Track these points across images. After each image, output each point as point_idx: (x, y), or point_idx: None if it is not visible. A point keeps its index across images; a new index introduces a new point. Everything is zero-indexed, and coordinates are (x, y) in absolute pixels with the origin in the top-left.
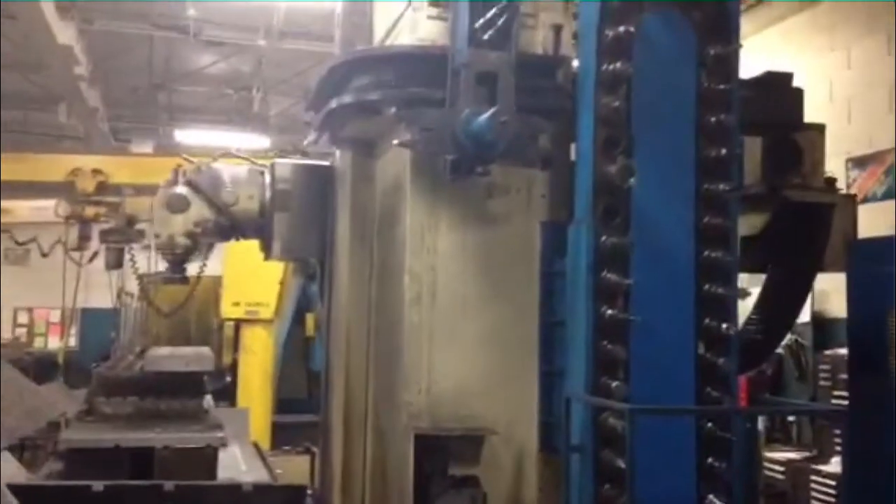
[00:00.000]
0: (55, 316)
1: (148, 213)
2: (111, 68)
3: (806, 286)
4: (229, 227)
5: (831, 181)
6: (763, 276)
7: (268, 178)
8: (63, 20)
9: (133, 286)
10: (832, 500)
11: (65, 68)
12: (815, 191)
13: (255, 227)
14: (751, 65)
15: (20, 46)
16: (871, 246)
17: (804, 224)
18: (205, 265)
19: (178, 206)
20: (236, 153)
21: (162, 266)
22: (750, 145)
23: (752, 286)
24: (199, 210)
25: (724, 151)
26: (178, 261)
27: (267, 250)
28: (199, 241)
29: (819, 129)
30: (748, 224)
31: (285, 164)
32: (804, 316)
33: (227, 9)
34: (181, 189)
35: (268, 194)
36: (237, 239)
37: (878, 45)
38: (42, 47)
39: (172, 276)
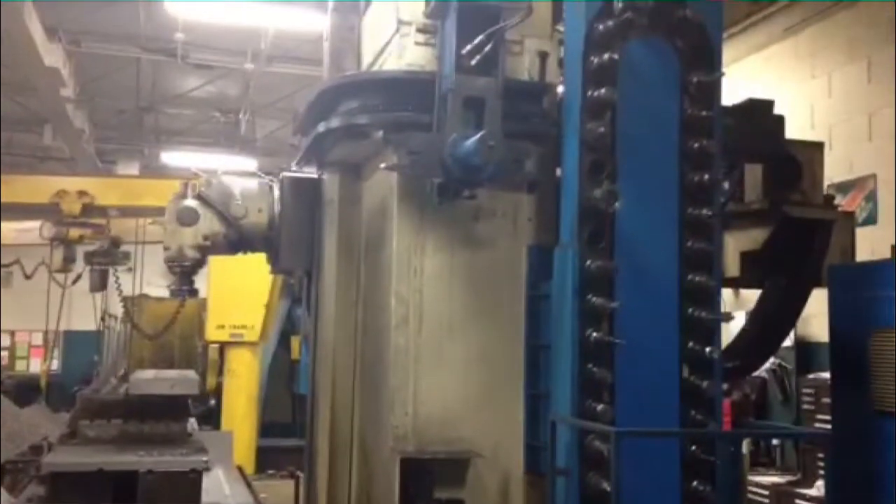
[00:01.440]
0: (37, 339)
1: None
2: (98, 90)
3: (803, 299)
4: (238, 240)
5: (830, 198)
6: (742, 304)
7: (276, 192)
8: (50, 42)
9: (116, 308)
10: None
11: (51, 90)
12: (815, 207)
13: (263, 240)
14: (733, 92)
15: (7, 67)
16: (852, 270)
17: (804, 239)
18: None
19: (188, 219)
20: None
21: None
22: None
23: (735, 310)
24: (208, 223)
25: (706, 177)
26: (186, 273)
27: (274, 263)
28: (207, 255)
29: (818, 146)
30: (749, 239)
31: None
32: (787, 341)
33: (214, 32)
34: (191, 202)
35: (276, 208)
36: (245, 252)
37: (858, 73)
38: (29, 69)
39: (181, 289)
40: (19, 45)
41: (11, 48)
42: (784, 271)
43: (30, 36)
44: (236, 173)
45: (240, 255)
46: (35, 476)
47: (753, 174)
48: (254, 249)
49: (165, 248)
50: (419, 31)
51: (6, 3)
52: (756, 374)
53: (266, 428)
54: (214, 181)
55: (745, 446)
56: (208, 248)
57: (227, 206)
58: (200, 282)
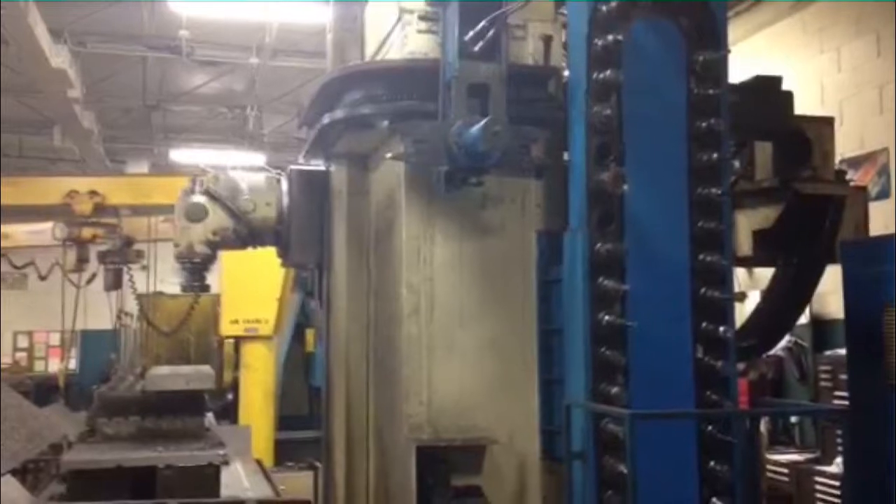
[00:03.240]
0: (55, 339)
1: (145, 233)
2: (105, 90)
3: (817, 276)
4: (248, 234)
5: (842, 174)
6: (756, 283)
7: (285, 186)
8: (56, 44)
9: (132, 307)
10: (837, 501)
11: (59, 91)
12: (826, 183)
13: (272, 234)
14: (740, 70)
15: (14, 71)
16: (865, 246)
17: (816, 216)
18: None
19: (196, 215)
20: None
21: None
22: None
23: (749, 289)
24: (217, 219)
25: (714, 156)
26: (197, 270)
27: (284, 257)
28: (218, 249)
29: (828, 121)
30: (761, 217)
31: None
32: (803, 318)
33: (219, 28)
34: (199, 198)
35: (285, 201)
36: (254, 247)
37: (867, 47)
38: (36, 71)
39: (192, 285)
40: (26, 48)
41: (18, 51)
42: (797, 249)
43: (35, 39)
44: (244, 168)
45: (251, 250)
46: (55, 474)
47: (763, 152)
48: (263, 243)
49: (175, 246)
50: (421, 18)
51: (12, 8)
52: (772, 352)
53: (283, 421)
54: (222, 176)
55: (764, 425)
56: (218, 244)
57: (234, 201)
58: (213, 277)
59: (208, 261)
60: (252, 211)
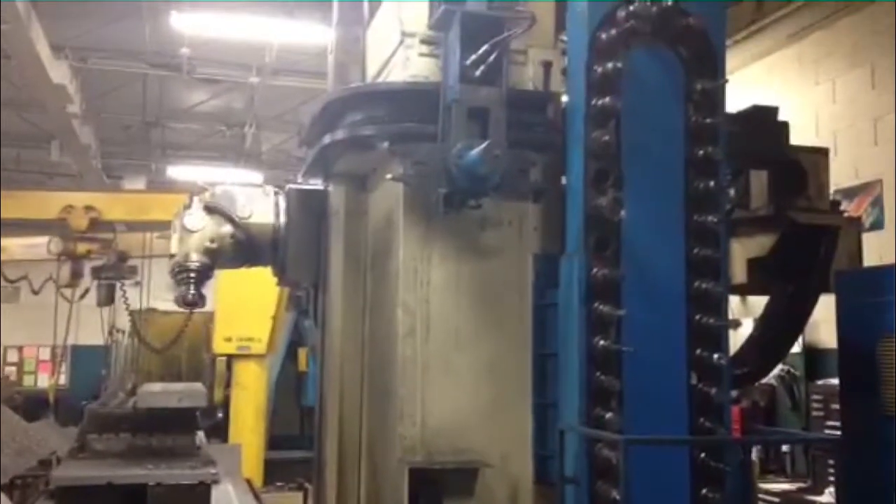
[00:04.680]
0: (45, 353)
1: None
2: (104, 106)
3: (810, 305)
4: (246, 241)
5: (836, 204)
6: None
7: (283, 203)
8: (57, 59)
9: (124, 323)
10: None
11: (58, 106)
12: (821, 213)
13: (269, 242)
14: (737, 99)
15: (14, 85)
16: (859, 276)
17: (810, 245)
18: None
19: (194, 226)
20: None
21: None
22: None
23: (743, 317)
24: (214, 226)
25: (711, 183)
26: (191, 282)
27: (280, 276)
28: (215, 258)
29: (823, 152)
30: (756, 245)
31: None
32: (796, 347)
33: (219, 46)
34: (197, 212)
35: (281, 208)
36: (251, 265)
37: (862, 79)
38: (36, 86)
39: (186, 295)
40: (26, 62)
41: (19, 66)
42: (791, 277)
43: (36, 54)
44: (242, 185)
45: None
46: (44, 490)
47: (759, 180)
48: (259, 254)
49: (171, 257)
50: (423, 42)
51: (14, 22)
52: (765, 380)
53: (274, 440)
54: (219, 190)
55: (755, 453)
56: (216, 252)
57: (231, 207)
58: (208, 295)
59: (205, 272)
60: (249, 217)
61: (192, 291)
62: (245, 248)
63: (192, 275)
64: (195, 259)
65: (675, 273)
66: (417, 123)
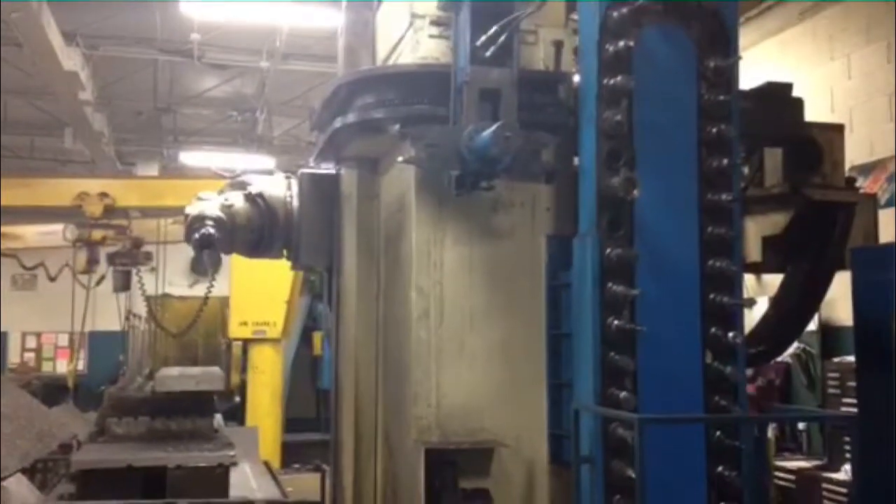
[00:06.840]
0: (63, 340)
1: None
2: (116, 93)
3: (826, 283)
4: (266, 208)
5: (851, 181)
6: (765, 289)
7: (295, 188)
8: (68, 46)
9: (141, 308)
10: None
11: (70, 94)
12: (836, 189)
13: (283, 220)
14: (750, 76)
15: (27, 73)
16: (875, 253)
17: (825, 222)
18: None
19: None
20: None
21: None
22: None
23: (758, 295)
24: (230, 195)
25: (725, 162)
26: (208, 225)
27: (294, 260)
28: (231, 219)
29: (838, 128)
30: (771, 223)
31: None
32: (811, 325)
33: (230, 32)
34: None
35: (295, 203)
36: (264, 251)
37: (877, 54)
38: (48, 74)
39: (203, 233)
40: (38, 50)
41: (31, 54)
42: (806, 255)
43: (48, 41)
44: (255, 172)
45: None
46: (65, 474)
47: (773, 158)
48: (273, 241)
49: (185, 216)
50: (433, 23)
51: (25, 10)
52: (780, 359)
53: (290, 423)
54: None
55: (771, 431)
56: (231, 210)
57: (245, 186)
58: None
59: (219, 226)
60: (263, 192)
61: (208, 230)
62: (264, 212)
63: (209, 221)
64: (210, 214)
65: (688, 252)
66: (428, 106)
